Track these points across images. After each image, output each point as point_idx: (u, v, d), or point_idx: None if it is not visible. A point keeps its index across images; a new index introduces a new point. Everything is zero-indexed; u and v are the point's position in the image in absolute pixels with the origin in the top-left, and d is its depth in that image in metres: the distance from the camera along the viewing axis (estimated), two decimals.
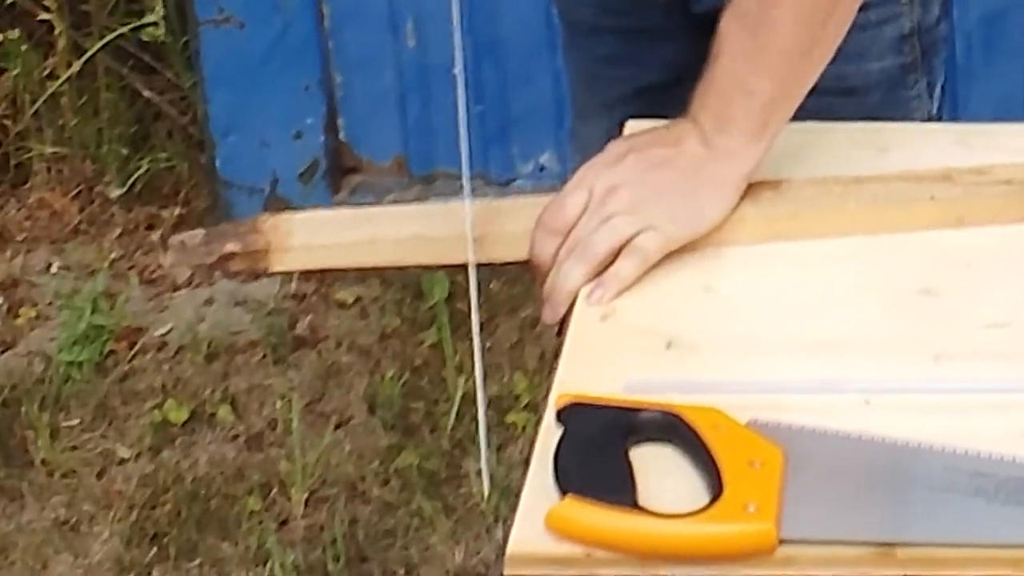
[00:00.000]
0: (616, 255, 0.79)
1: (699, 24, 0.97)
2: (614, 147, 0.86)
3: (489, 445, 1.63)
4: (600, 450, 0.64)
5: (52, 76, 2.17)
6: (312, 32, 2.12)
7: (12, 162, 2.28)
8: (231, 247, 0.86)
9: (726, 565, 0.59)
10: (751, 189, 0.84)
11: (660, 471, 0.62)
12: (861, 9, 0.92)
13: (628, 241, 0.79)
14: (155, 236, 2.20)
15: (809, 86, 0.89)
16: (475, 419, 1.49)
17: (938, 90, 1.16)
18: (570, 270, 0.80)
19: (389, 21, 2.11)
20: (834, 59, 0.92)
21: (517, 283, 1.95)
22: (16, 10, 2.18)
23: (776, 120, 0.88)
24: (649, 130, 0.89)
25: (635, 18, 1.14)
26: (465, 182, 1.27)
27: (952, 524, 0.58)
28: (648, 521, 0.57)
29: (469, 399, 1.81)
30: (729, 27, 0.87)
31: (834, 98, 0.97)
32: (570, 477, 0.60)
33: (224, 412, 1.82)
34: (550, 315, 0.81)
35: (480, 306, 1.84)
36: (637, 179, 0.84)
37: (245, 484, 1.70)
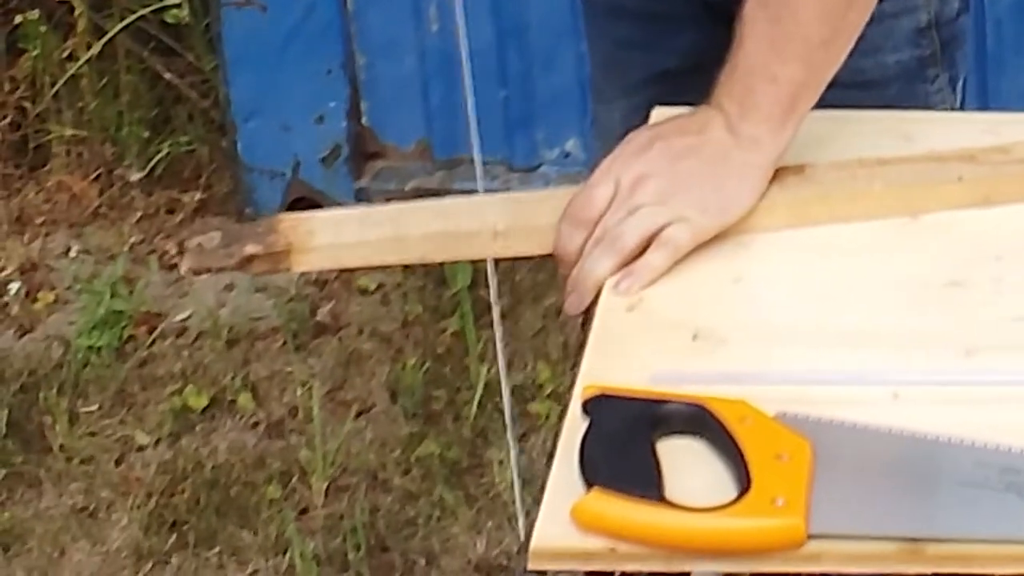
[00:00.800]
0: (646, 246, 0.78)
1: (715, 12, 0.99)
2: (639, 136, 0.86)
3: (510, 436, 1.64)
4: (626, 442, 0.63)
5: (72, 58, 2.16)
6: (335, 15, 2.10)
7: (31, 144, 2.27)
8: (251, 249, 0.85)
9: (754, 560, 0.58)
10: (777, 175, 0.82)
11: (687, 464, 0.61)
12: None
13: (658, 232, 0.78)
14: (176, 220, 2.20)
15: (832, 73, 0.88)
16: (498, 408, 1.65)
17: (960, 84, 1.15)
18: (598, 260, 0.79)
19: (412, 5, 2.10)
20: (851, 52, 0.90)
21: (541, 271, 1.92)
22: None
23: (801, 107, 0.87)
24: (673, 118, 0.88)
25: (654, 2, 1.14)
26: (478, 167, 1.27)
27: (982, 520, 0.57)
28: (675, 515, 0.56)
29: (492, 388, 1.80)
30: (753, 13, 0.85)
31: (852, 91, 0.96)
32: (596, 469, 0.59)
33: (244, 399, 1.81)
34: (575, 306, 0.81)
35: (503, 294, 1.74)
36: (664, 169, 0.83)
37: (265, 472, 1.70)
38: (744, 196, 0.84)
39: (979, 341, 0.70)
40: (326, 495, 1.66)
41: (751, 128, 0.85)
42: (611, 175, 0.83)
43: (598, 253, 0.80)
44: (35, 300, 2.08)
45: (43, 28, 2.13)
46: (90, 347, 1.92)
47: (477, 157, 1.48)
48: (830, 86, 0.88)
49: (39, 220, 2.22)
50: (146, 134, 2.27)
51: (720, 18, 0.94)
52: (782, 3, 0.87)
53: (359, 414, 1.81)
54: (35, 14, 2.09)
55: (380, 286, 2.08)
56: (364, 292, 2.08)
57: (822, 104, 0.87)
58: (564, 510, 0.56)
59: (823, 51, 0.89)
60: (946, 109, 1.10)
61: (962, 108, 1.15)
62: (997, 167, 0.85)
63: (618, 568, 0.58)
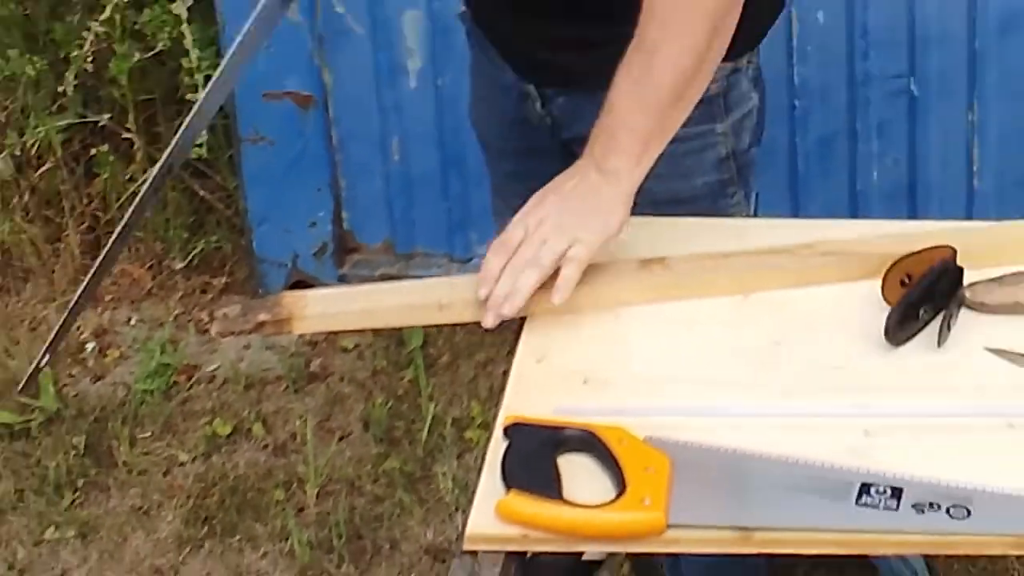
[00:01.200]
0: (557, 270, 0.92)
1: (571, 148, 1.16)
2: (538, 194, 1.02)
3: (451, 454, 2.03)
4: (535, 458, 0.76)
5: (132, 179, 2.45)
6: (324, 149, 2.38)
7: (102, 243, 2.34)
8: (262, 317, 1.02)
9: (628, 543, 0.75)
10: (645, 265, 1.02)
11: (580, 474, 0.75)
12: (687, 138, 1.12)
13: (563, 253, 0.94)
14: (208, 298, 2.50)
15: (677, 127, 1.05)
16: (442, 435, 2.01)
17: (753, 197, 1.35)
18: (527, 278, 0.93)
19: (380, 141, 2.37)
20: (666, 178, 1.11)
21: (474, 334, 2.21)
22: (105, 131, 2.47)
23: (652, 150, 1.03)
24: (560, 175, 1.04)
25: (528, 141, 1.35)
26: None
27: (794, 513, 0.71)
28: (570, 510, 0.71)
29: (438, 420, 2.10)
30: (620, 79, 1.01)
31: (671, 207, 1.16)
32: (513, 477, 0.73)
33: (258, 428, 2.11)
34: (490, 321, 0.95)
35: (445, 351, 2.14)
36: (557, 210, 0.98)
37: (273, 481, 2.00)
38: (616, 218, 0.98)
39: (794, 386, 0.86)
40: (317, 498, 1.96)
41: (613, 165, 0.99)
42: (522, 222, 0.98)
43: (527, 273, 0.94)
44: (105, 356, 2.37)
45: (111, 158, 2.43)
46: (145, 390, 2.19)
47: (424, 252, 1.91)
48: (655, 204, 1.09)
49: (108, 297, 2.49)
50: (186, 234, 2.54)
51: (574, 153, 1.11)
52: (644, 70, 1.02)
53: (341, 439, 2.10)
54: (105, 147, 2.41)
55: (356, 345, 2.34)
56: (344, 350, 2.34)
57: (655, 214, 1.10)
58: (490, 507, 0.72)
59: (672, 109, 1.03)
60: (744, 216, 1.32)
61: (755, 215, 1.38)
62: (806, 258, 1.03)
63: (529, 549, 0.74)
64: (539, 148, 1.36)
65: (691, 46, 1.04)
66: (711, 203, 1.29)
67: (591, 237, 0.97)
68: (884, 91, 2.26)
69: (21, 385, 1.77)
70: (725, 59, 1.17)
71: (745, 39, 1.22)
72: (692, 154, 1.27)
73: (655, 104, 1.02)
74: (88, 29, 2.25)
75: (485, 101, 1.47)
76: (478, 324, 0.99)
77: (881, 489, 0.73)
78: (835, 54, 2.30)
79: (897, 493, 0.73)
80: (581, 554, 1.56)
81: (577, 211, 1.00)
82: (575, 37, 1.18)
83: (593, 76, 1.09)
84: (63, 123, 2.47)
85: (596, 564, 1.75)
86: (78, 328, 2.43)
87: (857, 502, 0.72)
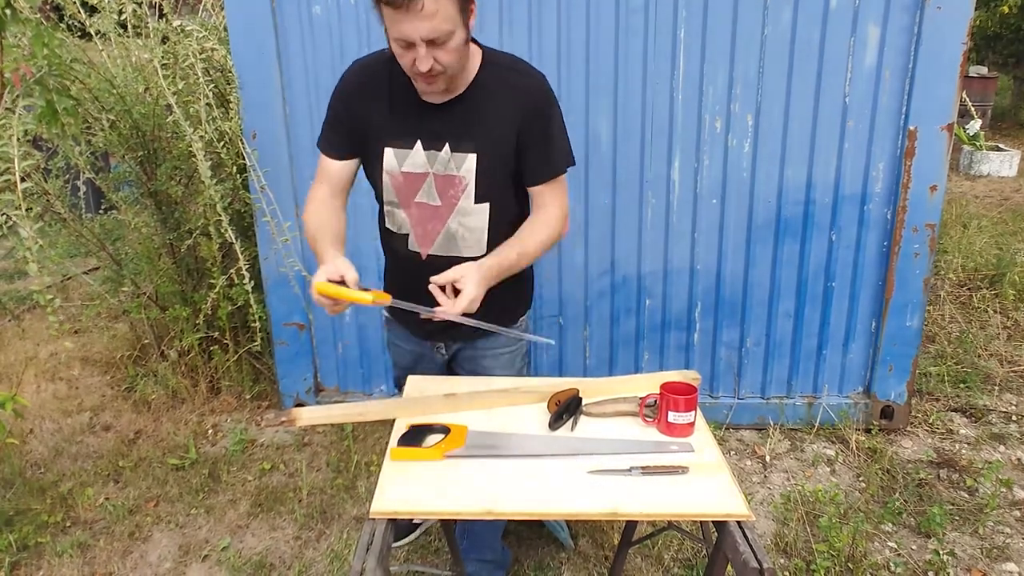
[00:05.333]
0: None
1: (447, 359, 2.35)
2: (468, 271, 1.91)
3: (368, 475, 3.50)
4: (414, 436, 1.91)
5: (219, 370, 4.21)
6: (307, 350, 4.02)
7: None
8: (283, 418, 1.98)
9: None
10: (449, 396, 2.06)
11: (433, 441, 1.88)
12: (509, 344, 2.27)
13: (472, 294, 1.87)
14: (260, 410, 4.17)
15: (516, 271, 2.02)
16: (362, 469, 3.59)
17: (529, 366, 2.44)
18: (466, 309, 1.87)
19: (334, 344, 4.12)
20: (503, 368, 2.29)
21: (381, 429, 3.84)
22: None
23: (502, 275, 2.00)
24: (470, 263, 1.94)
25: (419, 348, 2.35)
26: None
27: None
28: (420, 451, 1.85)
29: (359, 464, 3.61)
30: (507, 246, 2.01)
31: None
32: (403, 440, 1.86)
33: (280, 466, 3.64)
34: (439, 319, 1.87)
35: (363, 435, 4.46)
36: (472, 281, 1.88)
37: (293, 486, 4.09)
38: (482, 287, 1.92)
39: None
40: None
41: (487, 272, 1.93)
42: (437, 283, 1.87)
43: (462, 307, 1.84)
44: (217, 436, 4.03)
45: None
46: (234, 450, 3.74)
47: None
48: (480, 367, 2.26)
49: (220, 410, 4.16)
50: (251, 383, 4.28)
51: (448, 365, 2.35)
52: (521, 246, 2.03)
53: (317, 470, 3.55)
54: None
55: (321, 431, 3.93)
56: (316, 432, 3.92)
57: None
58: (383, 495, 1.70)
59: (518, 264, 2.03)
60: (527, 372, 2.42)
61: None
62: (516, 392, 2.11)
63: (398, 517, 1.66)
64: (425, 355, 2.36)
65: (536, 250, 2.02)
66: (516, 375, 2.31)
67: (468, 290, 1.89)
68: (548, 323, 4.07)
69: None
70: (526, 309, 2.25)
71: (530, 301, 2.28)
72: (515, 353, 2.31)
73: (514, 253, 2.00)
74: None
75: (407, 354, 2.42)
76: (384, 422, 1.92)
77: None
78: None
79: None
80: (455, 523, 2.59)
81: (458, 271, 1.90)
82: (475, 318, 1.93)
83: (482, 332, 2.02)
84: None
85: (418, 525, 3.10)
86: (214, 425, 4.01)
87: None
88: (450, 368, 2.39)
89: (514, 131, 1.95)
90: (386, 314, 2.35)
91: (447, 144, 1.96)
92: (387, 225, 2.16)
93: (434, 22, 1.74)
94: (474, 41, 2.00)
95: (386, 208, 2.12)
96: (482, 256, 2.00)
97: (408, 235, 2.11)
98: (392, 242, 2.18)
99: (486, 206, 2.02)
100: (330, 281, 1.86)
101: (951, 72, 3.37)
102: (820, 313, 3.90)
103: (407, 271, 2.13)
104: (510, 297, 2.13)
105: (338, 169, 2.13)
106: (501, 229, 2.05)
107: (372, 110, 2.01)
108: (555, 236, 2.04)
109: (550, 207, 2.04)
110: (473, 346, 2.25)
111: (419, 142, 1.98)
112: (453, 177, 1.99)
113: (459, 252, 2.08)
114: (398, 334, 2.37)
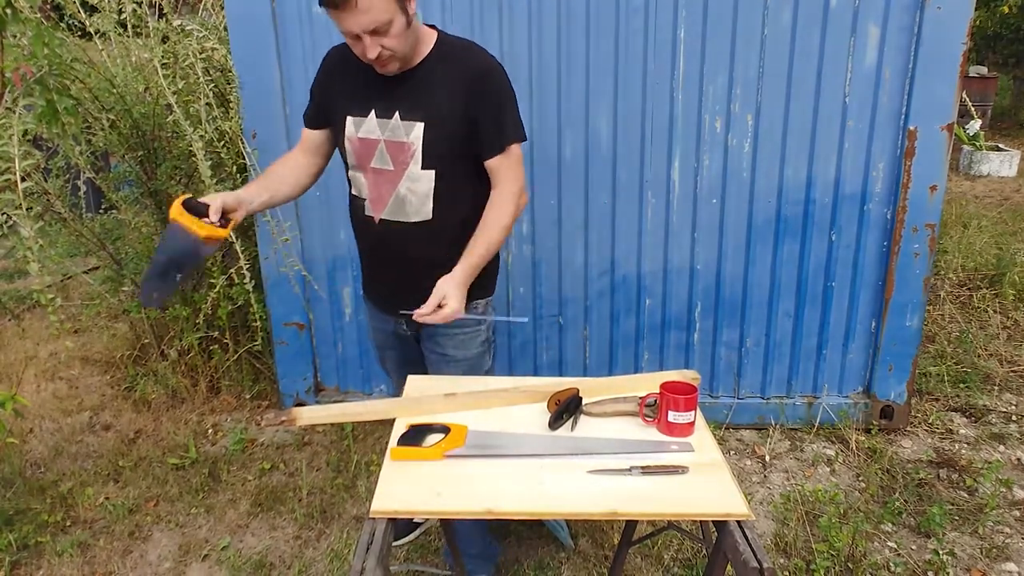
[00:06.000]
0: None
1: (420, 341, 2.45)
2: (443, 284, 2.14)
3: (368, 475, 3.46)
4: (414, 437, 1.90)
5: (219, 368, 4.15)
6: (307, 348, 3.99)
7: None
8: (283, 417, 2.00)
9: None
10: (449, 395, 2.06)
11: (432, 438, 1.88)
12: (466, 325, 2.33)
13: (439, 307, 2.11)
14: (260, 409, 4.15)
15: (487, 262, 2.23)
16: (361, 469, 3.54)
17: (492, 364, 2.45)
18: (452, 316, 2.12)
19: (333, 344, 4.05)
20: (460, 348, 2.34)
21: (381, 428, 3.85)
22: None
23: (477, 272, 2.22)
24: (449, 277, 2.14)
25: (394, 340, 2.56)
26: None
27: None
28: (420, 451, 1.84)
29: (359, 463, 3.55)
30: (473, 242, 2.21)
31: (458, 365, 2.38)
32: (403, 440, 1.86)
33: (281, 466, 3.59)
34: (424, 319, 2.13)
35: (363, 435, 4.44)
36: (450, 292, 2.13)
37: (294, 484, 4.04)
38: (463, 296, 2.17)
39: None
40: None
41: (462, 277, 2.18)
42: (438, 295, 2.12)
43: (445, 317, 2.11)
44: (217, 435, 3.95)
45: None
46: (234, 450, 3.71)
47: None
48: (452, 362, 2.35)
49: (220, 410, 4.14)
50: (251, 383, 4.24)
51: (420, 347, 2.48)
52: (484, 239, 2.21)
53: (317, 470, 3.49)
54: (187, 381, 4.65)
55: (320, 430, 3.87)
56: (315, 431, 3.87)
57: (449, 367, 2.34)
58: (383, 495, 1.67)
59: (486, 254, 2.22)
60: (492, 371, 2.47)
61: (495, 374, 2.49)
62: (514, 392, 2.12)
63: (398, 516, 1.65)
64: (401, 341, 2.51)
65: (501, 234, 2.17)
66: (477, 362, 2.39)
67: (451, 305, 2.11)
68: (548, 322, 4.07)
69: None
70: (486, 295, 2.34)
71: (491, 287, 2.37)
72: (468, 336, 2.35)
73: (483, 248, 2.18)
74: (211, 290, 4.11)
75: (377, 331, 2.56)
76: (384, 421, 1.92)
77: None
78: (525, 299, 3.97)
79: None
80: (419, 523, 3.02)
81: (452, 291, 2.12)
82: (426, 295, 2.16)
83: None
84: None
85: (419, 524, 3.12)
86: (214, 424, 3.99)
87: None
88: (420, 347, 2.53)
89: (462, 104, 2.12)
90: (362, 292, 2.54)
91: (397, 112, 2.16)
92: (352, 192, 2.36)
93: (371, 15, 1.97)
94: (430, 26, 2.25)
95: (350, 173, 2.34)
96: (429, 220, 2.23)
97: (365, 200, 2.30)
98: (353, 209, 2.38)
99: (432, 173, 2.18)
100: (196, 205, 2.08)
101: (951, 72, 3.36)
102: (820, 313, 3.88)
103: (364, 238, 2.37)
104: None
105: (309, 135, 2.42)
106: (445, 197, 2.21)
107: (342, 86, 2.26)
108: (515, 212, 2.22)
109: (504, 184, 2.21)
110: (431, 324, 2.33)
111: (373, 111, 2.19)
112: (403, 143, 2.16)
113: (407, 217, 2.25)
114: (371, 313, 2.56)
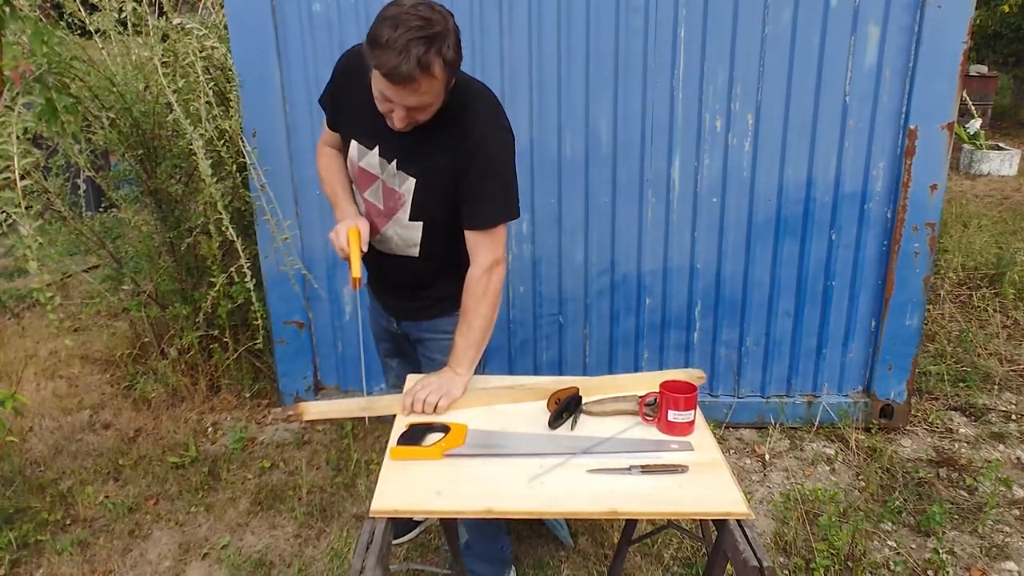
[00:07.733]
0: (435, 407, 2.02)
1: (411, 343, 2.45)
2: (423, 379, 2.08)
3: (367, 474, 3.43)
4: (413, 436, 1.89)
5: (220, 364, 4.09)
6: (307, 347, 3.94)
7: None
8: (289, 412, 2.19)
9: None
10: (470, 394, 2.11)
11: (433, 438, 1.88)
12: (450, 331, 2.16)
13: (436, 401, 2.03)
14: (260, 408, 4.11)
15: (481, 354, 2.12)
16: (361, 468, 3.52)
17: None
18: (425, 406, 2.01)
19: (334, 344, 3.99)
20: (440, 360, 2.23)
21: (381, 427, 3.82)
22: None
23: (474, 364, 2.12)
24: (434, 374, 2.10)
25: (395, 341, 2.53)
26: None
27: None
28: (420, 450, 1.83)
29: (359, 462, 3.53)
30: (458, 331, 2.10)
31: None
32: (402, 439, 1.86)
33: (281, 464, 3.58)
34: (405, 416, 1.99)
35: (363, 434, 4.33)
36: (436, 386, 2.05)
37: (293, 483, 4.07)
38: (460, 390, 2.07)
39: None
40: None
41: (460, 371, 2.09)
42: (416, 390, 2.04)
43: (424, 404, 1.99)
44: (217, 434, 3.90)
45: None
46: (234, 448, 3.67)
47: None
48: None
49: (220, 409, 4.08)
50: (251, 382, 4.22)
51: (411, 343, 2.43)
52: (469, 332, 2.09)
53: (317, 469, 3.47)
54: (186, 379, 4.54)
55: (321, 429, 3.85)
56: (315, 428, 3.85)
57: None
58: (382, 495, 1.65)
59: (481, 344, 2.13)
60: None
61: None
62: (517, 390, 2.13)
63: (397, 516, 1.63)
64: (400, 347, 2.51)
65: (487, 321, 2.06)
66: None
67: (446, 399, 1.99)
68: (548, 321, 4.06)
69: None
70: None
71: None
72: (448, 339, 2.26)
73: (474, 346, 2.06)
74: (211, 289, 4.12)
75: (374, 322, 2.57)
76: (384, 419, 2.27)
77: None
78: (524, 297, 3.90)
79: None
80: (419, 522, 3.00)
81: (442, 387, 2.03)
82: (415, 305, 2.24)
83: (424, 316, 2.21)
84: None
85: (419, 522, 3.09)
86: (213, 423, 3.95)
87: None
88: (408, 346, 2.54)
89: (452, 168, 2.02)
90: (366, 284, 2.47)
91: (395, 161, 2.08)
92: (354, 200, 2.30)
93: (421, 97, 1.85)
94: None
95: (352, 185, 2.28)
96: (416, 257, 2.21)
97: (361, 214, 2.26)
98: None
99: (420, 224, 2.14)
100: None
101: (951, 71, 3.35)
102: (820, 312, 3.87)
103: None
104: (449, 290, 2.23)
105: (333, 134, 2.32)
106: (435, 241, 2.18)
107: (351, 111, 2.14)
108: (494, 293, 2.11)
109: (479, 259, 2.10)
110: (418, 326, 2.36)
111: (378, 148, 2.10)
112: (394, 192, 2.11)
113: (395, 251, 2.24)
114: (372, 305, 2.55)
